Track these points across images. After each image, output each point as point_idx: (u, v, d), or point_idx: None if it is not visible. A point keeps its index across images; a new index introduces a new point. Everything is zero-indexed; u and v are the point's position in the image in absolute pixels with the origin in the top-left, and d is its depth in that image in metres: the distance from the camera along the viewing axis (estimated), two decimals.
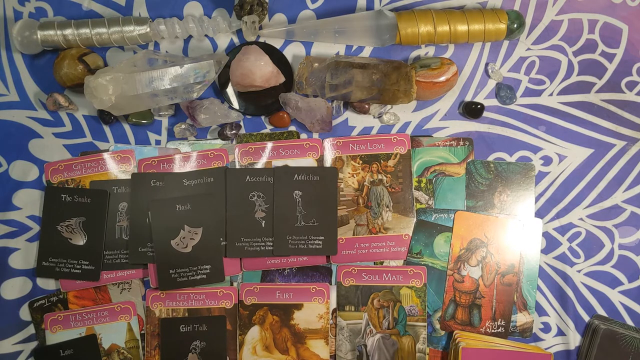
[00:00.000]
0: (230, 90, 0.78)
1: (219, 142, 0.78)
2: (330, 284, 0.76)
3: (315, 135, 0.79)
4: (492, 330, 0.76)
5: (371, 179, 0.77)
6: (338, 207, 0.76)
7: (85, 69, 0.75)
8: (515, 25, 0.77)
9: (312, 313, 0.75)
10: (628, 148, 0.79)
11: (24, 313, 0.76)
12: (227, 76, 0.77)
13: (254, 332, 0.76)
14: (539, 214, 0.78)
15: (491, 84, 0.80)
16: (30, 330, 0.76)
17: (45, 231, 0.76)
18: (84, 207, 0.75)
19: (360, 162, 0.78)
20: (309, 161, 0.77)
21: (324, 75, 0.74)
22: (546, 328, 0.78)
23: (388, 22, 0.75)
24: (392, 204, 0.77)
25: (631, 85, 0.80)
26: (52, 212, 0.76)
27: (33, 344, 0.76)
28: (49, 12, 0.79)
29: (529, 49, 0.80)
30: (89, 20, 0.76)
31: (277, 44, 0.79)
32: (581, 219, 0.79)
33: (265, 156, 0.77)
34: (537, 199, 0.78)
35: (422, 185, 0.78)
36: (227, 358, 0.75)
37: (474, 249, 0.76)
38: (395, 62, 0.75)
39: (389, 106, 0.79)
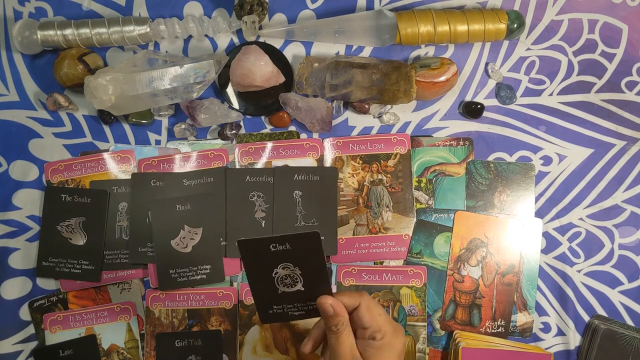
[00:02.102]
0: (230, 90, 0.78)
1: (219, 142, 0.78)
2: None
3: (315, 135, 0.79)
4: (492, 330, 0.76)
5: (371, 179, 0.77)
6: (338, 207, 0.76)
7: (85, 69, 0.75)
8: (515, 25, 0.77)
9: None
10: (628, 148, 0.79)
11: (24, 313, 0.76)
12: (227, 76, 0.77)
13: (254, 332, 0.76)
14: (539, 214, 0.78)
15: (491, 84, 0.80)
16: (30, 330, 0.76)
17: (45, 231, 0.76)
18: (84, 207, 0.75)
19: (360, 162, 0.78)
20: (309, 161, 0.77)
21: (324, 75, 0.74)
22: (546, 328, 0.78)
23: (388, 22, 0.75)
24: (392, 204, 0.77)
25: (631, 85, 0.80)
26: (52, 212, 0.76)
27: (33, 344, 0.76)
28: (49, 12, 0.79)
29: (529, 49, 0.80)
30: (89, 20, 0.76)
31: (277, 44, 0.79)
32: (581, 219, 0.79)
33: (265, 156, 0.77)
34: (537, 199, 0.78)
35: (422, 185, 0.78)
36: (227, 358, 0.75)
37: (474, 249, 0.76)
38: (395, 62, 0.75)
39: (389, 106, 0.79)
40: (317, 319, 0.60)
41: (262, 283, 0.55)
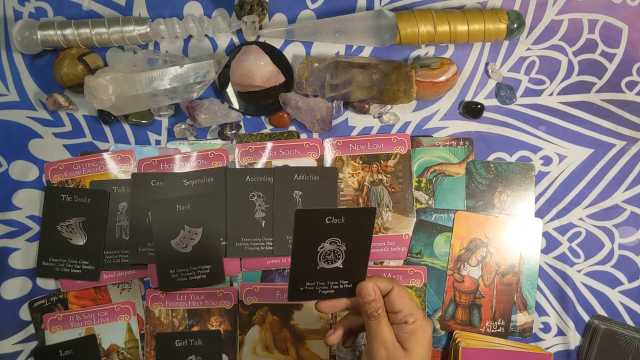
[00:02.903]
0: (230, 90, 0.78)
1: (219, 142, 0.78)
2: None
3: (315, 135, 0.79)
4: (492, 330, 0.76)
5: (371, 179, 0.77)
6: (338, 207, 0.76)
7: (85, 69, 0.75)
8: (515, 25, 0.77)
9: (312, 313, 0.75)
10: (628, 148, 0.79)
11: (24, 313, 0.76)
12: (227, 76, 0.77)
13: (254, 332, 0.76)
14: (539, 214, 0.78)
15: (491, 84, 0.80)
16: (30, 330, 0.76)
17: (45, 231, 0.76)
18: (84, 207, 0.75)
19: (360, 162, 0.78)
20: (309, 161, 0.77)
21: (324, 75, 0.74)
22: (546, 328, 0.78)
23: (388, 22, 0.75)
24: (392, 204, 0.77)
25: (631, 85, 0.80)
26: (52, 212, 0.76)
27: (33, 344, 0.76)
28: (49, 12, 0.79)
29: (529, 49, 0.80)
30: (89, 20, 0.76)
31: (277, 44, 0.79)
32: (581, 219, 0.79)
33: (265, 156, 0.77)
34: (537, 199, 0.78)
35: (422, 185, 0.78)
36: (227, 358, 0.75)
37: (474, 249, 0.76)
38: (395, 62, 0.75)
39: (389, 106, 0.79)
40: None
41: (305, 257, 0.56)
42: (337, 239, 0.55)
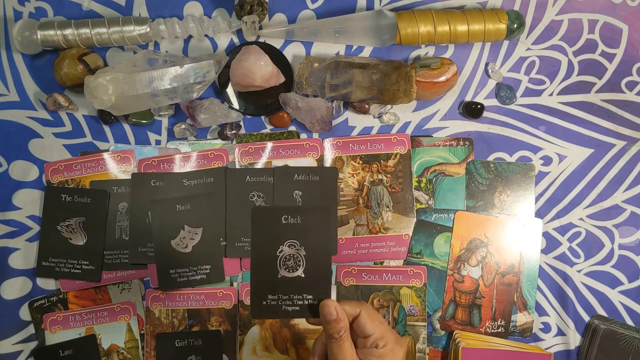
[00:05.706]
0: (230, 90, 0.78)
1: (219, 142, 0.78)
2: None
3: (315, 135, 0.79)
4: (492, 330, 0.76)
5: (371, 179, 0.77)
6: (338, 207, 0.76)
7: (85, 69, 0.75)
8: (515, 25, 0.77)
9: None
10: (628, 148, 0.79)
11: (24, 313, 0.76)
12: (227, 76, 0.77)
13: (254, 332, 0.76)
14: (539, 214, 0.78)
15: (491, 84, 0.80)
16: (30, 330, 0.76)
17: (45, 231, 0.76)
18: (84, 207, 0.75)
19: (360, 162, 0.78)
20: (309, 161, 0.77)
21: (324, 75, 0.74)
22: (546, 328, 0.78)
23: (388, 22, 0.75)
24: (392, 204, 0.77)
25: (631, 85, 0.80)
26: (52, 212, 0.76)
27: (33, 344, 0.76)
28: (49, 12, 0.79)
29: (529, 49, 0.80)
30: (89, 20, 0.76)
31: (277, 44, 0.79)
32: (581, 219, 0.79)
33: (265, 156, 0.77)
34: (537, 199, 0.78)
35: (422, 185, 0.78)
36: (227, 358, 0.75)
37: (474, 249, 0.76)
38: (395, 62, 0.75)
39: (389, 106, 0.79)
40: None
41: (265, 262, 0.55)
42: (296, 241, 0.55)
